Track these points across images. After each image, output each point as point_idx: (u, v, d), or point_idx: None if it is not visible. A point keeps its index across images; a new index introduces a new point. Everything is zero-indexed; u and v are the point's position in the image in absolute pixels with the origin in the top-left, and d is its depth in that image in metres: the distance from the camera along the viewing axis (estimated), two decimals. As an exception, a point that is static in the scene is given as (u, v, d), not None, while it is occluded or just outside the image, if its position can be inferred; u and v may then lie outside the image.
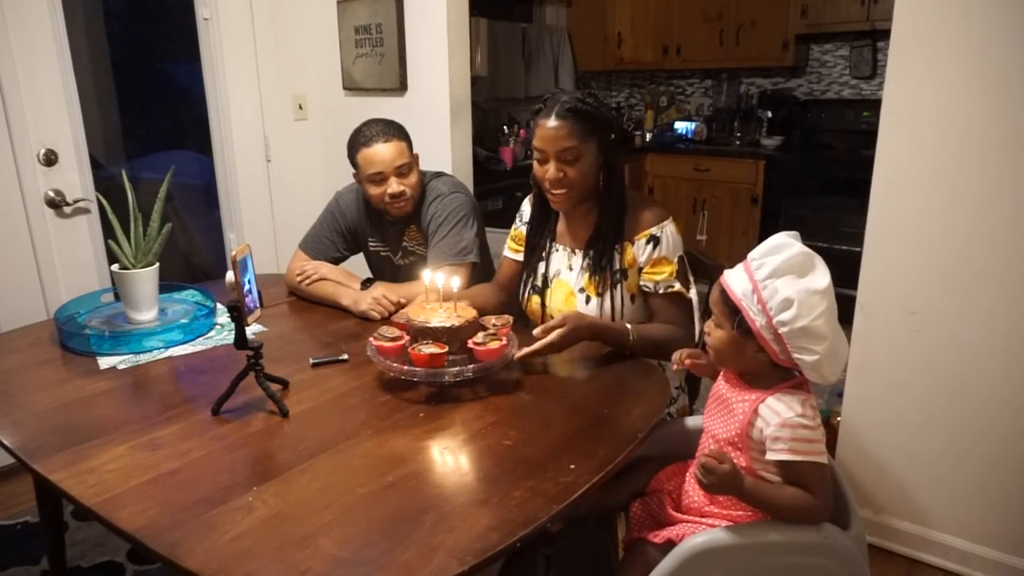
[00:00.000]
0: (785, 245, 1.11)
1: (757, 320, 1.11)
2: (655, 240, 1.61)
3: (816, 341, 1.08)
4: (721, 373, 1.28)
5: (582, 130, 1.54)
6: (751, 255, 1.15)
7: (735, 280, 1.14)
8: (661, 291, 1.60)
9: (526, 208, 1.81)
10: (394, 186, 1.92)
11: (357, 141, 1.94)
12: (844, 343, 1.13)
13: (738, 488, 1.10)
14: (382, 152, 1.90)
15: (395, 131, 1.94)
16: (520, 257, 1.80)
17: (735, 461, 1.17)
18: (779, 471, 1.14)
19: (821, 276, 1.09)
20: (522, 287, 1.78)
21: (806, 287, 1.07)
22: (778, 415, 1.11)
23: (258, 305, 1.39)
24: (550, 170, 1.57)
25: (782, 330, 1.08)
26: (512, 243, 1.84)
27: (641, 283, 1.62)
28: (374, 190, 1.94)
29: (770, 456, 1.12)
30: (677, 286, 1.60)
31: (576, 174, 1.57)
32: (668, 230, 1.61)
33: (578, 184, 1.58)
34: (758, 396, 1.15)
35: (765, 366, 1.16)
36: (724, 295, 1.16)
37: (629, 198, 1.66)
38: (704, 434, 1.28)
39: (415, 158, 2.00)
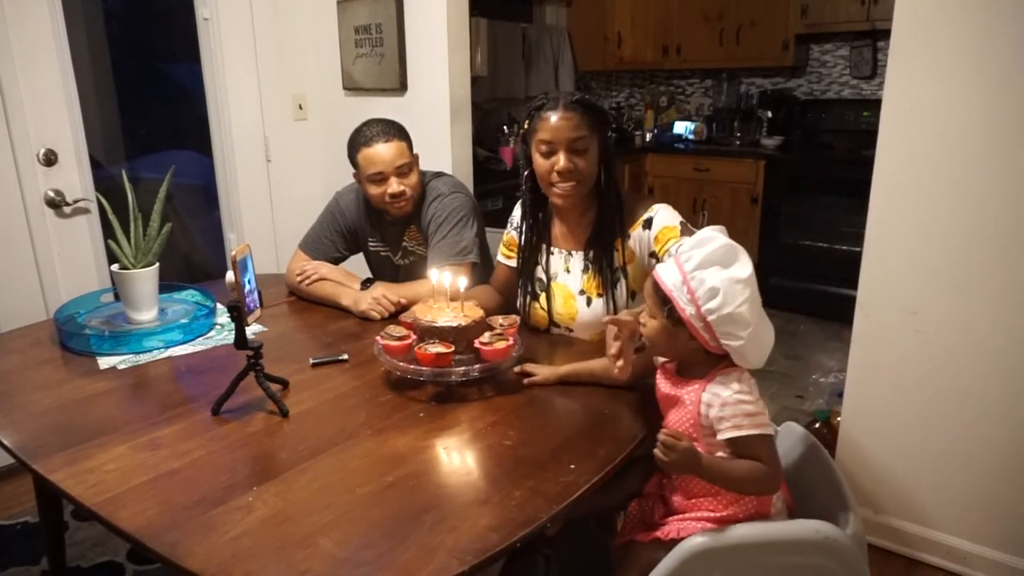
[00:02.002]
0: (710, 239, 1.18)
1: (687, 310, 1.16)
2: (649, 221, 1.60)
3: (741, 327, 1.13)
4: (657, 374, 1.31)
5: (590, 122, 1.55)
6: (680, 249, 1.21)
7: (666, 273, 1.19)
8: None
9: (517, 214, 1.79)
10: (394, 186, 1.92)
11: (357, 141, 1.94)
12: (767, 330, 1.18)
13: (696, 465, 1.13)
14: (382, 152, 1.90)
15: (395, 131, 1.94)
16: (513, 263, 1.78)
17: None
18: (730, 450, 1.17)
19: (744, 266, 1.15)
20: (520, 293, 1.77)
21: (730, 276, 1.13)
22: (719, 396, 1.16)
23: (258, 305, 1.39)
24: (560, 161, 1.55)
25: (710, 318, 1.14)
26: (504, 249, 1.82)
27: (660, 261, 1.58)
28: (374, 190, 1.94)
29: (720, 437, 1.15)
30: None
31: (585, 165, 1.56)
32: (659, 208, 1.61)
33: (586, 177, 1.58)
34: (699, 385, 1.19)
35: (698, 354, 1.20)
36: (656, 287, 1.21)
37: (623, 196, 1.66)
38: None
39: (415, 158, 1.99)
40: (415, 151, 2.00)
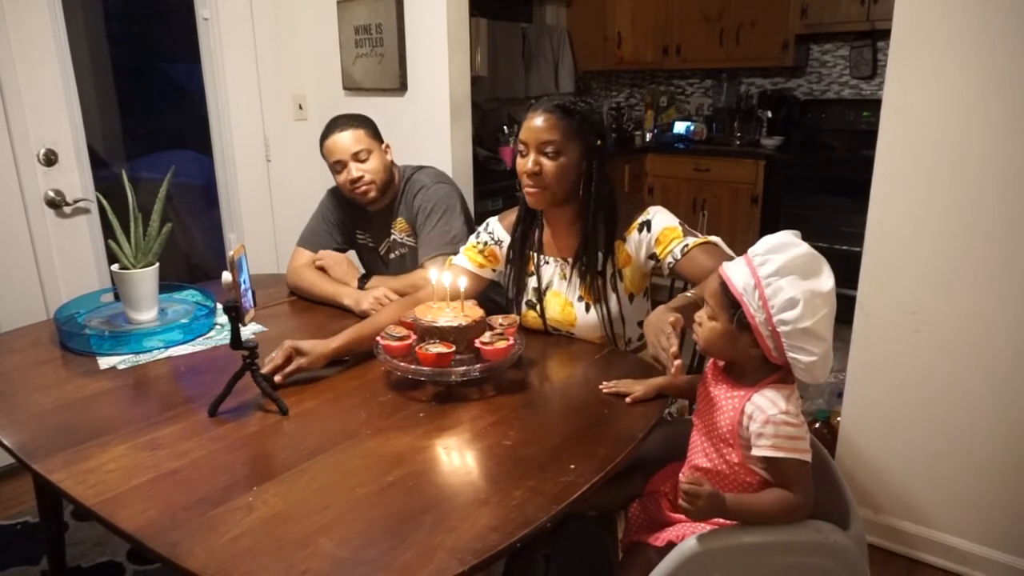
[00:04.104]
0: (790, 244, 1.11)
1: (757, 316, 1.10)
2: (647, 224, 1.59)
3: (816, 343, 1.08)
4: (706, 373, 1.28)
5: (566, 128, 1.53)
6: (753, 250, 1.14)
7: (736, 273, 1.13)
8: (680, 255, 1.54)
9: (496, 227, 1.76)
10: (353, 171, 1.98)
11: (322, 136, 2.03)
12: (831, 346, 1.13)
13: (722, 508, 1.09)
14: (339, 141, 1.98)
15: (355, 121, 2.01)
16: (487, 273, 1.75)
17: (728, 457, 1.18)
18: (764, 466, 1.15)
19: (826, 279, 1.09)
20: (515, 304, 1.75)
21: (811, 288, 1.07)
22: (763, 412, 1.12)
23: (253, 305, 1.40)
24: (527, 163, 1.55)
25: (781, 329, 1.08)
26: (479, 256, 1.75)
27: (666, 262, 1.57)
28: (339, 179, 2.03)
29: (755, 452, 1.13)
30: (692, 240, 1.55)
31: (552, 170, 1.54)
32: (655, 210, 1.61)
33: (552, 182, 1.55)
34: (745, 393, 1.16)
35: (755, 361, 1.16)
36: (724, 288, 1.14)
37: (617, 202, 1.64)
38: (694, 431, 1.28)
39: (381, 146, 2.05)
40: (386, 142, 2.07)
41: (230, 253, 1.30)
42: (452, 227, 1.98)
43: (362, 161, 1.99)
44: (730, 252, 1.55)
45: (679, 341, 1.27)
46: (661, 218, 1.60)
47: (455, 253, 1.91)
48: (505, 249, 1.74)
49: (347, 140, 1.98)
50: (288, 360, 1.46)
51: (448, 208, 2.00)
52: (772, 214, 4.15)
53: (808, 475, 1.13)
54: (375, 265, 2.18)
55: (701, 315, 1.21)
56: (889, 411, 1.97)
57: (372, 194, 2.02)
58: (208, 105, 2.88)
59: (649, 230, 1.59)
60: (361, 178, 1.99)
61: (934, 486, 1.95)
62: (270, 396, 1.34)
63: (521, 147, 1.57)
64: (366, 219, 2.15)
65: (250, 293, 1.38)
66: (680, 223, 1.59)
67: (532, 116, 1.56)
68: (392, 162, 2.09)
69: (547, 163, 1.54)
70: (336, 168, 2.01)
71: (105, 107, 2.92)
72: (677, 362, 1.22)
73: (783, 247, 1.10)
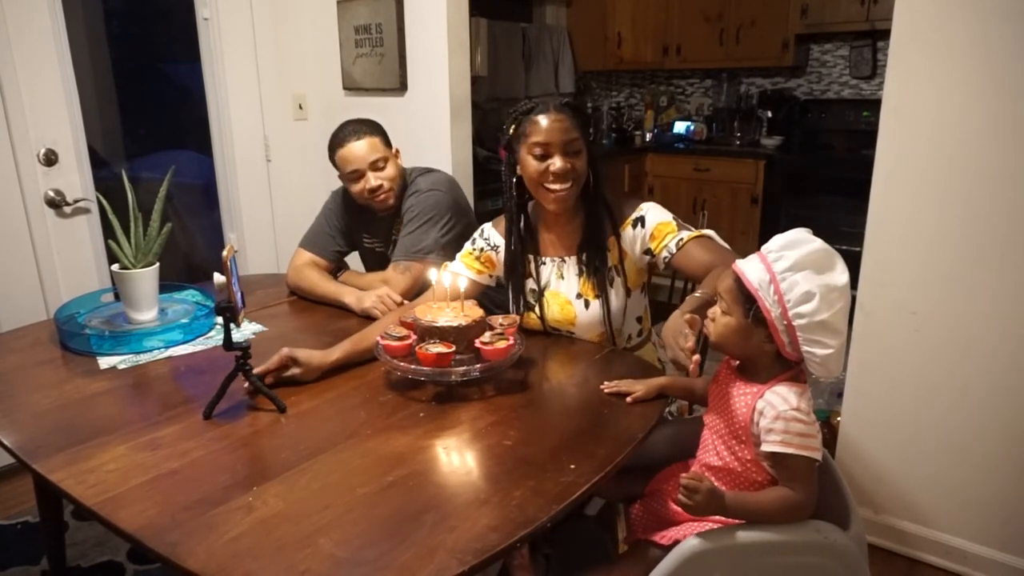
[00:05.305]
0: (803, 240, 1.12)
1: (772, 311, 1.11)
2: (640, 220, 1.60)
3: (833, 336, 1.09)
4: (718, 371, 1.28)
5: (580, 125, 1.56)
6: (766, 247, 1.15)
7: (751, 269, 1.14)
8: (675, 249, 1.55)
9: (491, 232, 1.75)
10: (371, 181, 1.97)
11: (333, 143, 2.00)
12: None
13: (721, 504, 1.10)
14: (355, 150, 1.95)
15: (368, 128, 1.99)
16: (481, 279, 1.75)
17: (739, 454, 1.18)
18: (771, 462, 1.15)
19: (841, 273, 1.10)
20: (512, 307, 1.75)
21: (826, 282, 1.08)
22: (774, 408, 1.12)
23: (243, 305, 1.41)
24: (556, 163, 1.53)
25: (797, 322, 1.09)
26: (476, 263, 1.74)
27: (661, 257, 1.57)
28: (355, 187, 2.00)
29: (764, 447, 1.13)
30: (687, 234, 1.55)
31: (582, 166, 1.56)
32: (647, 206, 1.61)
33: (581, 177, 1.57)
34: (758, 390, 1.16)
35: (768, 357, 1.16)
36: (739, 283, 1.15)
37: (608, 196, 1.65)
38: (705, 430, 1.28)
39: (393, 152, 2.04)
40: (395, 146, 2.05)
41: (224, 254, 1.30)
42: (426, 237, 1.96)
43: (380, 170, 1.97)
44: (724, 245, 1.56)
45: (696, 340, 1.28)
46: (654, 213, 1.60)
47: (419, 263, 1.91)
48: (502, 254, 1.74)
49: (363, 149, 1.95)
50: (282, 368, 1.45)
51: (431, 219, 1.97)
52: (772, 214, 4.16)
53: (814, 474, 1.13)
54: (380, 267, 2.15)
55: (715, 311, 1.22)
56: (889, 411, 1.97)
57: (391, 202, 2.01)
58: (208, 105, 2.88)
59: (643, 226, 1.59)
60: (380, 187, 1.97)
61: (934, 486, 1.95)
62: (267, 395, 1.34)
63: (539, 150, 1.54)
64: (373, 223, 2.13)
65: (240, 294, 1.39)
66: (674, 217, 1.60)
67: (543, 117, 1.54)
68: (402, 167, 2.08)
69: (576, 161, 1.55)
70: (352, 177, 1.98)
71: (105, 107, 2.92)
72: (695, 357, 1.23)
73: (797, 243, 1.12)
